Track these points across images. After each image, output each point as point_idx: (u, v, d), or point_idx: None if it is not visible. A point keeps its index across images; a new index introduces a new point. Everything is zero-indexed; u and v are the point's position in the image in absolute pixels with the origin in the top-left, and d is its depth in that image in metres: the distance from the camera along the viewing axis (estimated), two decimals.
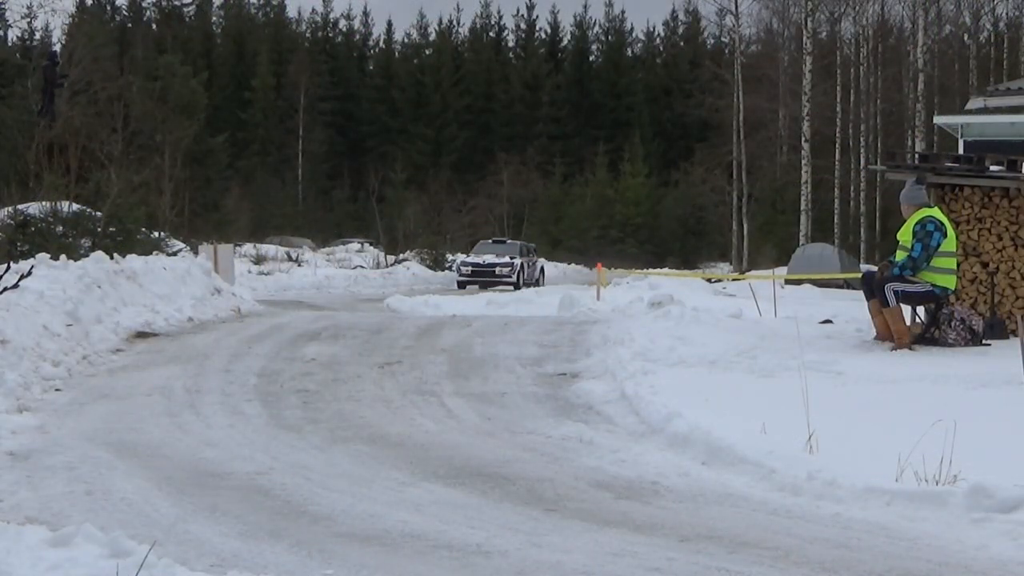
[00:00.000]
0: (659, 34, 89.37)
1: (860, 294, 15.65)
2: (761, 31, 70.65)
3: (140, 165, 36.86)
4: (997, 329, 15.17)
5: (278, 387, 12.65)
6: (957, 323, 14.67)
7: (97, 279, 16.84)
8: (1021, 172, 15.84)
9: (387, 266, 52.91)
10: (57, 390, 12.45)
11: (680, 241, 69.70)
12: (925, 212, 14.64)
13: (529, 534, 7.64)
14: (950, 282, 14.66)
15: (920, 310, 15.34)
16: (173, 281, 19.13)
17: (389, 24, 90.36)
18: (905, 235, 14.62)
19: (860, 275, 18.02)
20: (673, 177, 72.01)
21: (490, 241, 51.32)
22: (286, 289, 38.47)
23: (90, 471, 9.18)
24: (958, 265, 14.96)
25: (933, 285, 14.52)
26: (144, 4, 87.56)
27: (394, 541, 7.51)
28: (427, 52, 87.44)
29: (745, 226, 59.61)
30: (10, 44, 70.15)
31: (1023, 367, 11.99)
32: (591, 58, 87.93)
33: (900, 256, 14.64)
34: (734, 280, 36.51)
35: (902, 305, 14.73)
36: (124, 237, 27.48)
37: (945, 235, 14.54)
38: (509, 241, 51.08)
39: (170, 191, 40.63)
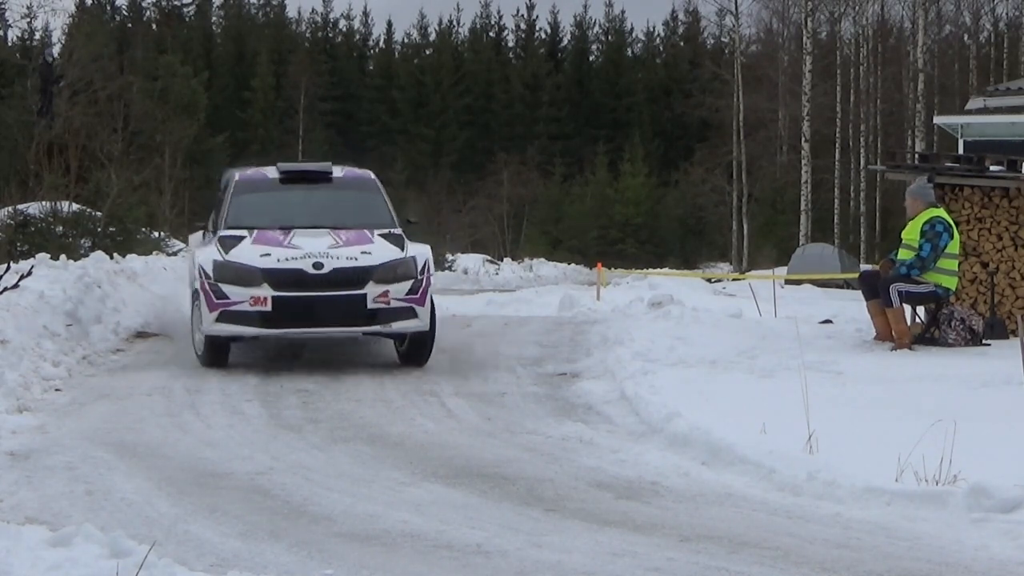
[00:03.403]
0: (659, 34, 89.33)
1: (860, 294, 15.63)
2: (761, 31, 70.63)
3: (140, 165, 36.80)
4: (997, 329, 15.18)
5: (278, 387, 12.64)
6: (957, 323, 14.67)
7: (97, 279, 16.83)
8: (1021, 172, 15.85)
9: None
10: (57, 390, 12.45)
11: (680, 241, 69.66)
12: (933, 212, 14.67)
13: (529, 534, 7.65)
14: (952, 283, 14.71)
15: (920, 310, 15.34)
16: (173, 281, 19.13)
17: (389, 24, 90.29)
18: (911, 233, 14.63)
19: (859, 275, 18.00)
20: (673, 177, 71.94)
21: (273, 172, 14.94)
22: None
23: (90, 471, 9.19)
24: (959, 265, 14.98)
25: (937, 286, 14.54)
26: (144, 4, 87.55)
27: (394, 541, 7.51)
28: (427, 52, 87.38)
29: (745, 226, 59.59)
30: (10, 44, 70.09)
31: (1023, 367, 11.99)
32: (591, 58, 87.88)
33: (904, 255, 14.64)
34: (734, 280, 36.51)
35: (904, 305, 14.75)
36: (124, 237, 27.47)
37: (952, 236, 14.60)
38: (348, 171, 15.57)
39: (170, 191, 40.61)
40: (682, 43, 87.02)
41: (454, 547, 7.37)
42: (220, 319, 13.04)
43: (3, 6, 70.33)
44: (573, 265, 59.63)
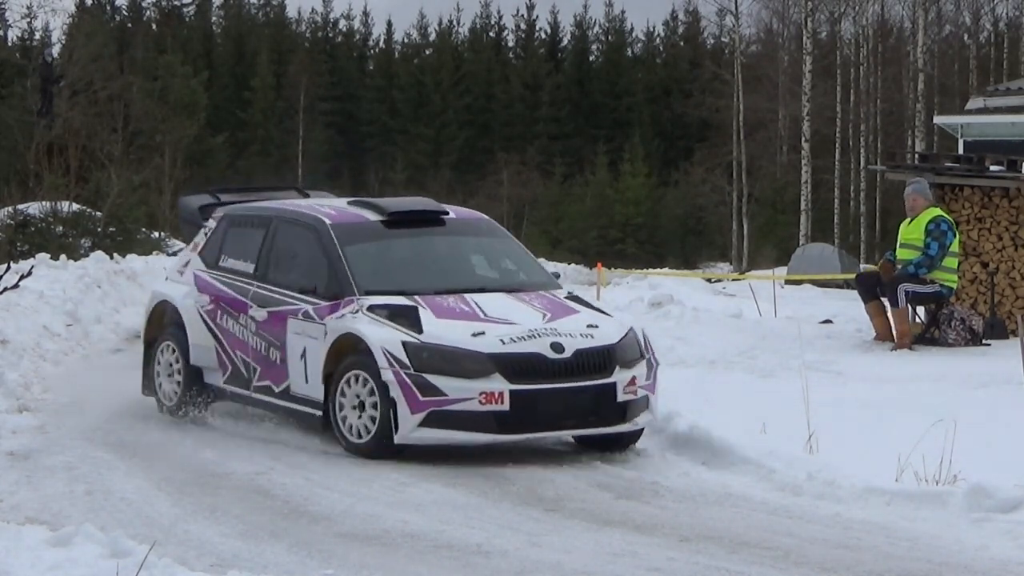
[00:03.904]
0: (659, 34, 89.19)
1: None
2: (761, 31, 70.57)
3: (140, 165, 36.84)
4: (997, 329, 15.19)
5: None
6: (957, 323, 14.69)
7: (97, 279, 16.86)
8: (1021, 172, 15.86)
9: None
10: (57, 390, 12.44)
11: (680, 241, 69.64)
12: (934, 211, 14.73)
13: (529, 534, 7.65)
14: (954, 281, 14.77)
15: (920, 310, 15.36)
16: None
17: (389, 24, 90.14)
18: (914, 233, 14.64)
19: (855, 276, 18.03)
20: (673, 177, 71.91)
21: (369, 213, 11.40)
22: None
23: (90, 471, 9.19)
24: (958, 265, 15.01)
25: (941, 285, 14.58)
26: (144, 4, 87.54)
27: (394, 541, 7.52)
28: (427, 52, 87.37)
29: (745, 226, 59.60)
30: (10, 44, 70.09)
31: (1023, 367, 11.99)
32: (591, 58, 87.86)
33: (905, 254, 14.66)
34: (734, 280, 36.50)
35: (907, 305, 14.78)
36: (124, 237, 27.48)
37: (955, 235, 14.68)
38: (458, 211, 12.08)
39: (170, 191, 40.62)
40: (682, 43, 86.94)
41: (454, 547, 7.37)
42: (429, 422, 9.64)
43: (3, 6, 70.33)
44: (573, 265, 59.64)
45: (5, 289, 9.31)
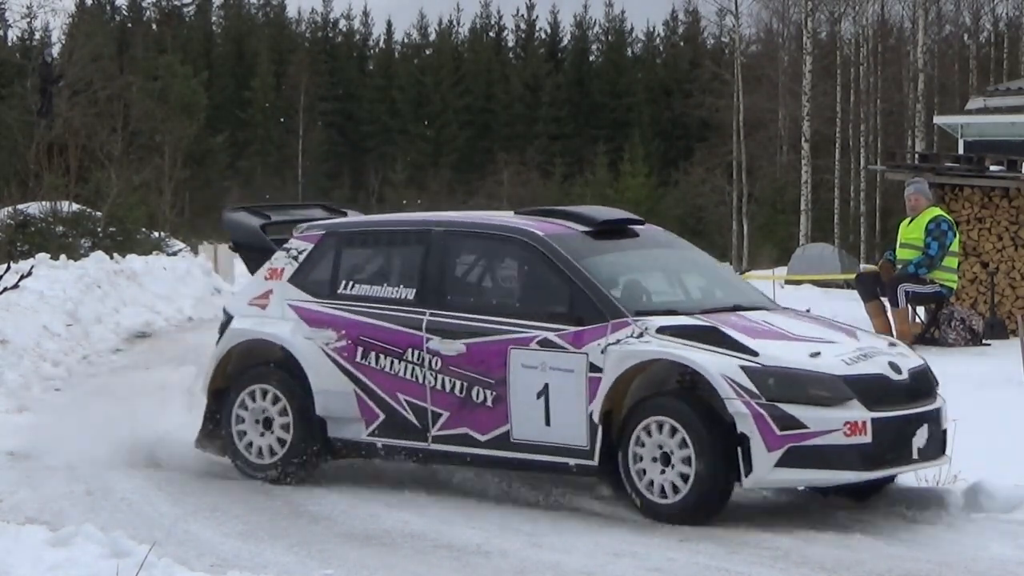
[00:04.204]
0: (659, 34, 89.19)
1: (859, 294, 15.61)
2: (761, 31, 70.60)
3: (140, 165, 36.82)
4: (997, 329, 15.21)
5: None
6: (957, 323, 14.70)
7: (97, 279, 16.84)
8: (1021, 172, 15.88)
9: None
10: (57, 390, 12.45)
11: None
12: (935, 211, 14.75)
13: (529, 534, 7.66)
14: (954, 281, 14.79)
15: (920, 310, 15.36)
16: (173, 281, 19.14)
17: (389, 24, 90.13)
18: (914, 232, 14.66)
19: (855, 276, 18.06)
20: (673, 177, 71.94)
21: (573, 224, 9.39)
22: None
23: (90, 471, 9.19)
24: (958, 265, 15.01)
25: (942, 286, 14.59)
26: (144, 4, 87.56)
27: (394, 541, 7.52)
28: (427, 52, 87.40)
29: (745, 226, 59.62)
30: (10, 44, 70.13)
31: (1023, 367, 11.99)
32: (591, 58, 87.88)
33: (905, 254, 14.67)
34: None
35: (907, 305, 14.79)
36: (124, 237, 27.46)
37: (955, 235, 14.70)
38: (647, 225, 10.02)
39: (170, 191, 40.61)
40: (682, 43, 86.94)
41: (454, 547, 7.38)
42: (788, 460, 7.95)
43: (3, 6, 70.37)
44: None
45: (5, 289, 9.31)
